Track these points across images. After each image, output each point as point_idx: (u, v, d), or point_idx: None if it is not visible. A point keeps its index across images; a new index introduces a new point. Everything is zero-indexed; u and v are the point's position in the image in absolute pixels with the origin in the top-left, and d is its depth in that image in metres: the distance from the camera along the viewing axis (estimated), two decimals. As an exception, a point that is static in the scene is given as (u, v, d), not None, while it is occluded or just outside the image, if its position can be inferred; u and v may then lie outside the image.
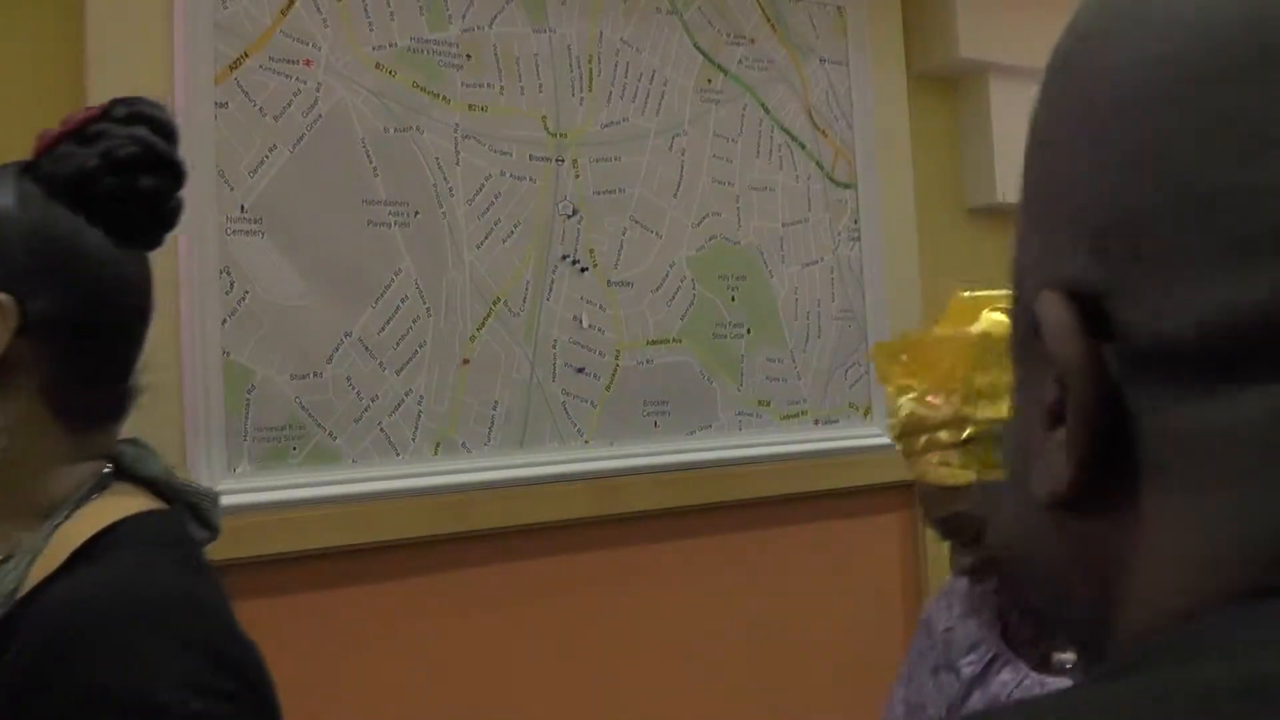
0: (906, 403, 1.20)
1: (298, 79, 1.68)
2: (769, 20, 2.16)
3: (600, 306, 1.93)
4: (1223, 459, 0.32)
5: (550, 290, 1.88)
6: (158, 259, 1.58)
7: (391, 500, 1.70)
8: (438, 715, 1.73)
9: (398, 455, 1.73)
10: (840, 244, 2.23)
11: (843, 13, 2.25)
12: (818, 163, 2.21)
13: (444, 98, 1.80)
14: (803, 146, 2.20)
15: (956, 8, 2.33)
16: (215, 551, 1.58)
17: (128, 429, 1.58)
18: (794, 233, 2.17)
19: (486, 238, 1.83)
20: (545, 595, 1.84)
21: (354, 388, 1.70)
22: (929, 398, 1.17)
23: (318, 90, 1.69)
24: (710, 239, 2.07)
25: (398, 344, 1.74)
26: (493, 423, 1.82)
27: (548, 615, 1.84)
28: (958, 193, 2.49)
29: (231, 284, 1.61)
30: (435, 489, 1.73)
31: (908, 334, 1.22)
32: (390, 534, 1.69)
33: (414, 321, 1.75)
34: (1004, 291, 1.07)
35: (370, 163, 1.73)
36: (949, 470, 1.17)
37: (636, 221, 1.98)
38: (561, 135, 1.91)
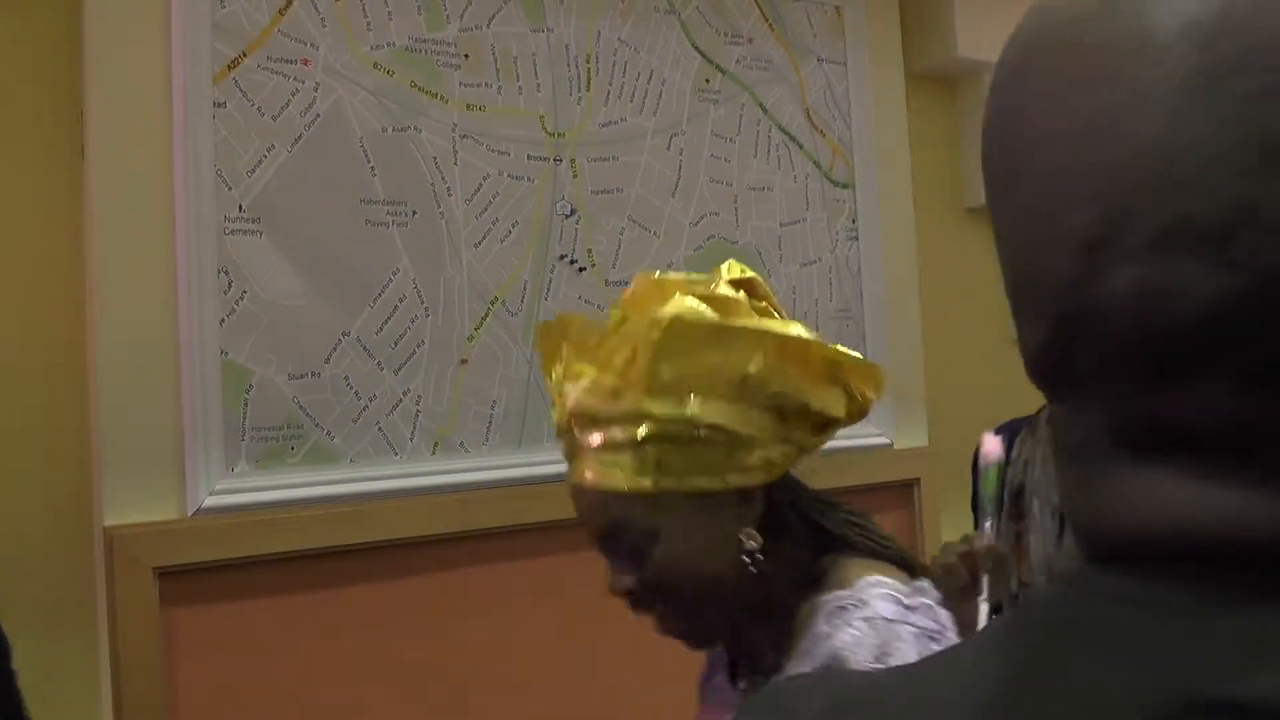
0: (575, 391, 0.99)
1: (296, 79, 1.68)
2: (767, 20, 2.16)
3: (598, 306, 1.93)
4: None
5: (548, 290, 1.88)
6: (155, 257, 1.58)
7: (389, 499, 1.70)
8: (436, 713, 1.73)
9: (396, 455, 1.73)
10: (838, 243, 2.23)
11: (840, 12, 2.25)
12: (816, 162, 2.21)
13: (442, 97, 1.80)
14: (801, 146, 2.20)
15: (954, 7, 2.34)
16: (212, 551, 1.59)
17: (121, 426, 1.58)
18: (792, 232, 2.17)
19: (484, 237, 1.83)
20: (543, 594, 1.84)
21: (352, 387, 1.70)
22: (603, 387, 0.97)
23: (316, 90, 1.69)
24: (708, 239, 2.07)
25: (396, 343, 1.74)
26: (491, 422, 1.82)
27: (545, 614, 1.84)
28: (956, 192, 2.49)
29: (230, 284, 1.61)
30: (433, 488, 1.73)
31: (576, 316, 1.04)
32: (388, 533, 1.69)
33: (412, 321, 1.75)
34: (699, 275, 1.00)
35: (368, 162, 1.73)
36: (621, 474, 0.96)
37: (634, 221, 1.98)
38: (559, 135, 1.91)
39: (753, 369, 0.95)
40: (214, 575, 1.57)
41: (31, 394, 1.56)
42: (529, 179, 1.87)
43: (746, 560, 0.98)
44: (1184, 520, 0.35)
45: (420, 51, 1.78)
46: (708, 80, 2.08)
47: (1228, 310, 0.33)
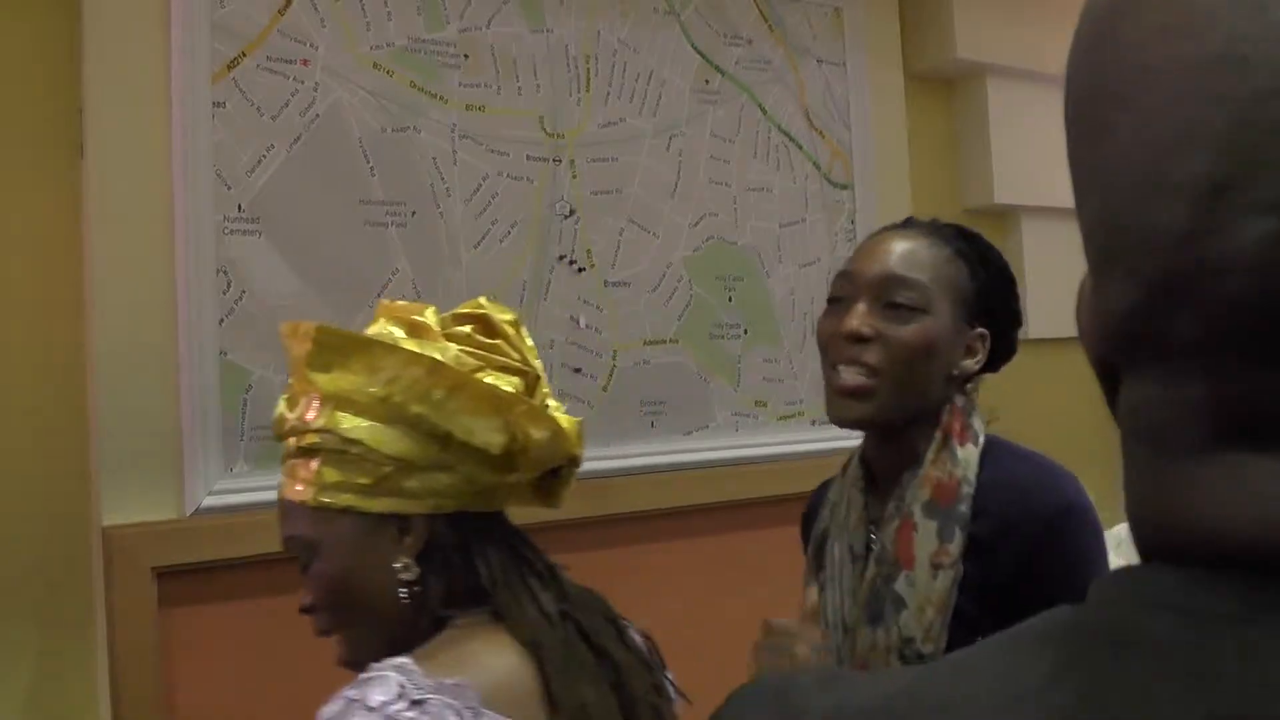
0: (281, 401, 1.05)
1: (295, 79, 1.68)
2: (766, 21, 2.16)
3: (597, 307, 1.93)
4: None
5: (547, 290, 1.88)
6: (154, 257, 1.58)
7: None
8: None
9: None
10: (837, 244, 2.23)
11: (840, 14, 2.25)
12: (815, 163, 2.22)
13: (441, 98, 1.80)
14: (800, 147, 2.20)
15: (954, 9, 2.34)
16: (210, 551, 1.58)
17: (120, 426, 1.58)
18: (791, 233, 2.18)
19: (483, 238, 1.83)
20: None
21: (351, 387, 1.70)
22: (302, 399, 1.02)
23: (315, 90, 1.69)
24: (707, 239, 2.07)
25: (395, 344, 1.74)
26: (489, 423, 1.81)
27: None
28: (954, 194, 2.49)
29: (228, 283, 1.61)
30: (432, 489, 1.73)
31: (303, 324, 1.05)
32: (387, 534, 1.68)
33: (411, 321, 1.75)
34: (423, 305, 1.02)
35: (367, 162, 1.73)
36: (290, 485, 1.02)
37: (633, 222, 1.98)
38: (559, 135, 1.91)
39: (392, 388, 0.96)
40: (212, 575, 1.57)
41: (30, 393, 1.55)
42: (528, 179, 1.87)
43: (402, 591, 0.97)
44: (1258, 523, 0.32)
45: (419, 52, 1.78)
46: (707, 81, 2.08)
47: None
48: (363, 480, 0.97)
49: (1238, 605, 0.31)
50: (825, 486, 1.39)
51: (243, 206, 1.63)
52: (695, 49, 2.07)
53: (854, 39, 2.27)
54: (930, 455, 1.17)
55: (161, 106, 1.57)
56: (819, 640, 1.11)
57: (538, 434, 1.00)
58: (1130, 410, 0.37)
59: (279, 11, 1.67)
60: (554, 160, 1.90)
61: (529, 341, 1.09)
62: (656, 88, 2.02)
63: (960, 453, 1.16)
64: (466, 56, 1.83)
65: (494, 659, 0.94)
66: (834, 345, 1.17)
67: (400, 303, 1.07)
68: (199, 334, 1.58)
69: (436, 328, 1.02)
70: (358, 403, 0.97)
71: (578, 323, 1.91)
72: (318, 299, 1.68)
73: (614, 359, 1.94)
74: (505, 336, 1.05)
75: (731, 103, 2.11)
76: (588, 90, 1.95)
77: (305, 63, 1.69)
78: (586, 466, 1.88)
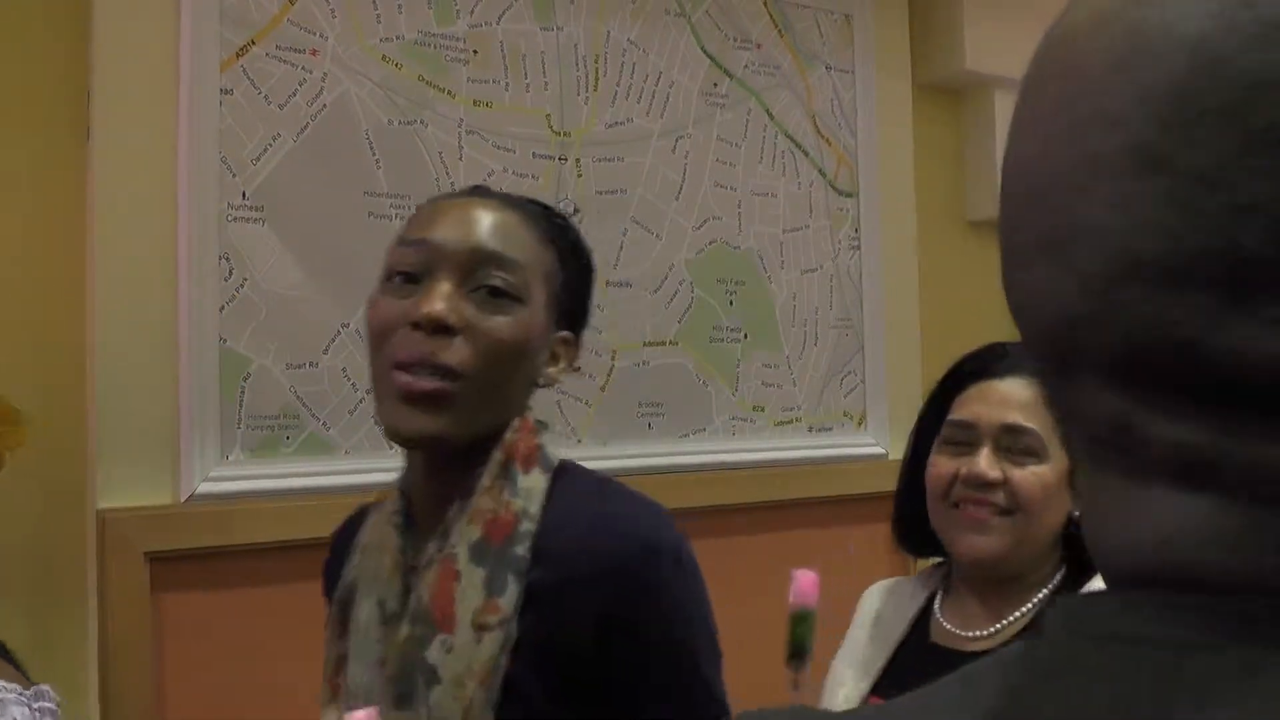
0: None
1: (303, 68, 1.68)
2: (776, 26, 2.16)
3: (598, 306, 1.93)
4: None
5: (549, 288, 1.88)
6: (156, 242, 1.58)
7: (384, 493, 1.69)
8: (422, 709, 1.73)
9: (391, 448, 1.72)
10: (840, 252, 2.23)
11: (850, 21, 2.26)
12: (820, 170, 2.22)
13: (449, 92, 1.80)
14: (806, 153, 2.20)
15: (964, 20, 2.34)
16: (204, 538, 1.58)
17: (118, 409, 1.58)
18: (794, 239, 2.18)
19: (487, 233, 1.82)
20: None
21: (349, 379, 1.70)
22: None
23: (323, 80, 1.69)
24: (710, 242, 2.07)
25: (394, 337, 1.74)
26: (487, 419, 1.81)
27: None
28: (959, 205, 2.50)
29: (230, 270, 1.61)
30: (427, 483, 1.73)
31: None
32: (380, 526, 1.68)
33: (411, 315, 1.75)
34: None
35: (373, 154, 1.73)
36: None
37: (637, 222, 1.98)
38: (565, 134, 1.91)
39: None
40: (205, 562, 1.57)
41: (29, 375, 1.55)
42: (533, 177, 1.87)
43: None
44: (1166, 545, 0.33)
45: (429, 46, 1.78)
46: (715, 84, 2.08)
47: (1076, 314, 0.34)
48: None
49: (1164, 631, 0.32)
50: (356, 520, 1.13)
51: (247, 194, 1.63)
52: (704, 52, 2.07)
53: (863, 47, 2.27)
54: (485, 482, 0.94)
55: (169, 92, 1.57)
56: None
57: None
58: (1072, 414, 0.37)
59: (289, 1, 1.67)
60: (559, 158, 1.90)
61: None
62: (664, 89, 2.02)
63: (523, 480, 0.95)
64: (476, 52, 1.83)
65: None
66: (401, 337, 0.92)
67: None
68: (199, 320, 1.58)
69: None
70: None
71: (578, 321, 1.91)
72: (319, 289, 1.68)
73: (613, 359, 1.94)
74: None
75: (739, 107, 2.11)
76: (595, 90, 1.95)
77: (314, 53, 1.69)
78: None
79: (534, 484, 0.95)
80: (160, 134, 1.57)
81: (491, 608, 0.90)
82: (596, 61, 1.95)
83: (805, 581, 1.25)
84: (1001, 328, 0.41)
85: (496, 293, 0.93)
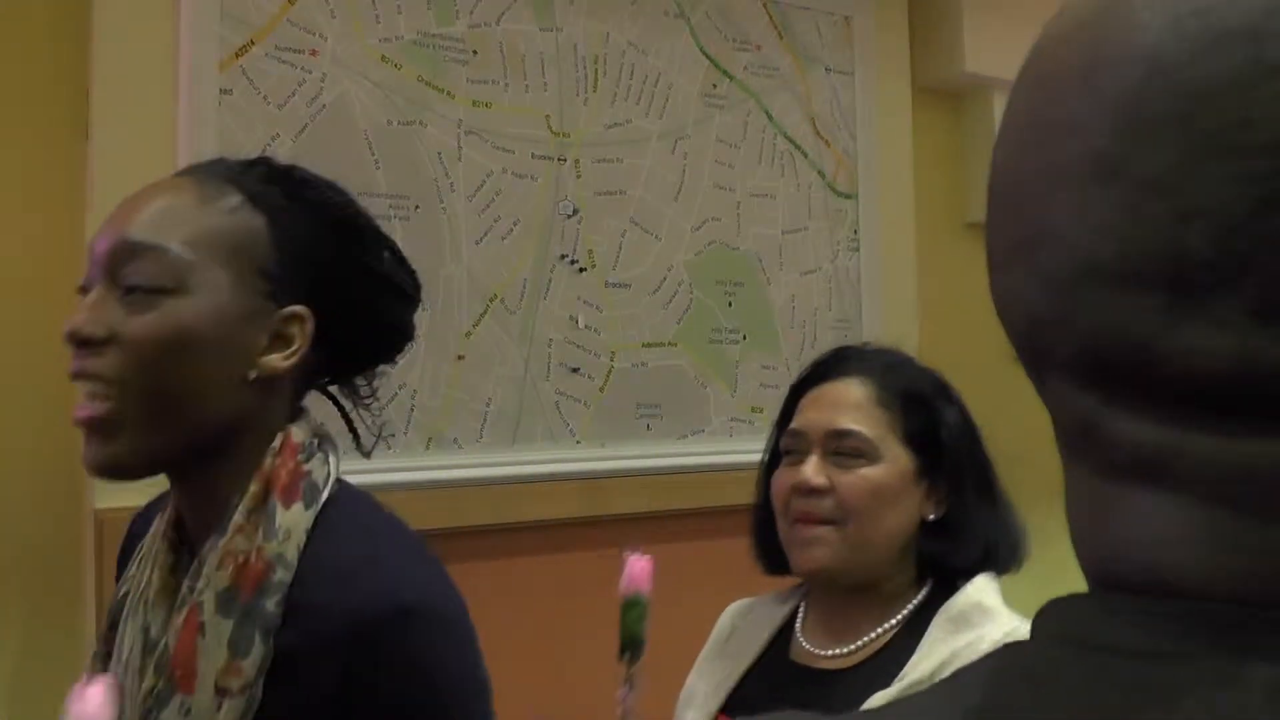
0: None
1: (303, 68, 1.68)
2: (776, 27, 2.16)
3: (597, 307, 1.93)
4: None
5: (547, 289, 1.88)
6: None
7: (382, 493, 1.67)
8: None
9: (389, 448, 1.73)
10: (839, 254, 2.23)
11: (849, 23, 2.26)
12: (819, 172, 2.22)
13: (448, 93, 1.80)
14: (805, 155, 2.20)
15: (963, 22, 2.34)
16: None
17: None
18: (793, 240, 2.18)
19: (485, 234, 1.83)
20: (533, 593, 1.84)
21: (348, 379, 1.70)
22: None
23: (322, 80, 1.69)
24: (709, 244, 2.07)
25: (393, 337, 1.74)
26: (485, 419, 1.82)
27: (535, 613, 1.84)
28: (958, 207, 2.50)
29: (229, 271, 1.61)
30: (426, 483, 1.73)
31: None
32: (378, 527, 1.68)
33: (410, 315, 1.75)
34: None
35: (372, 155, 1.73)
36: None
37: (636, 223, 1.98)
38: (564, 135, 1.91)
39: None
40: (202, 562, 1.57)
41: (26, 373, 1.55)
42: (532, 177, 1.87)
43: None
44: (1134, 545, 0.34)
45: (428, 46, 1.78)
46: (714, 85, 2.08)
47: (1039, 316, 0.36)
48: None
49: (1138, 640, 0.33)
50: (157, 505, 1.00)
51: (246, 194, 1.63)
52: (704, 53, 2.07)
53: (863, 49, 2.27)
54: (238, 519, 0.81)
55: (168, 92, 1.57)
56: None
57: None
58: (1050, 413, 0.38)
59: (288, 1, 1.67)
60: (559, 159, 1.90)
61: None
62: (664, 90, 2.02)
63: (281, 517, 0.82)
64: (475, 53, 1.83)
65: None
66: (76, 358, 0.81)
67: None
68: (198, 320, 1.58)
69: None
70: None
71: (577, 322, 1.91)
72: (318, 290, 1.67)
73: (612, 360, 1.94)
74: None
75: (738, 108, 2.11)
76: (595, 90, 1.95)
77: (314, 53, 1.69)
78: (580, 467, 1.89)
79: (294, 522, 0.82)
80: (159, 134, 1.57)
81: (234, 670, 0.78)
82: (596, 62, 1.95)
83: (638, 567, 1.19)
84: (999, 330, 0.41)
85: (137, 289, 0.80)
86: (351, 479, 1.77)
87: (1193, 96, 0.31)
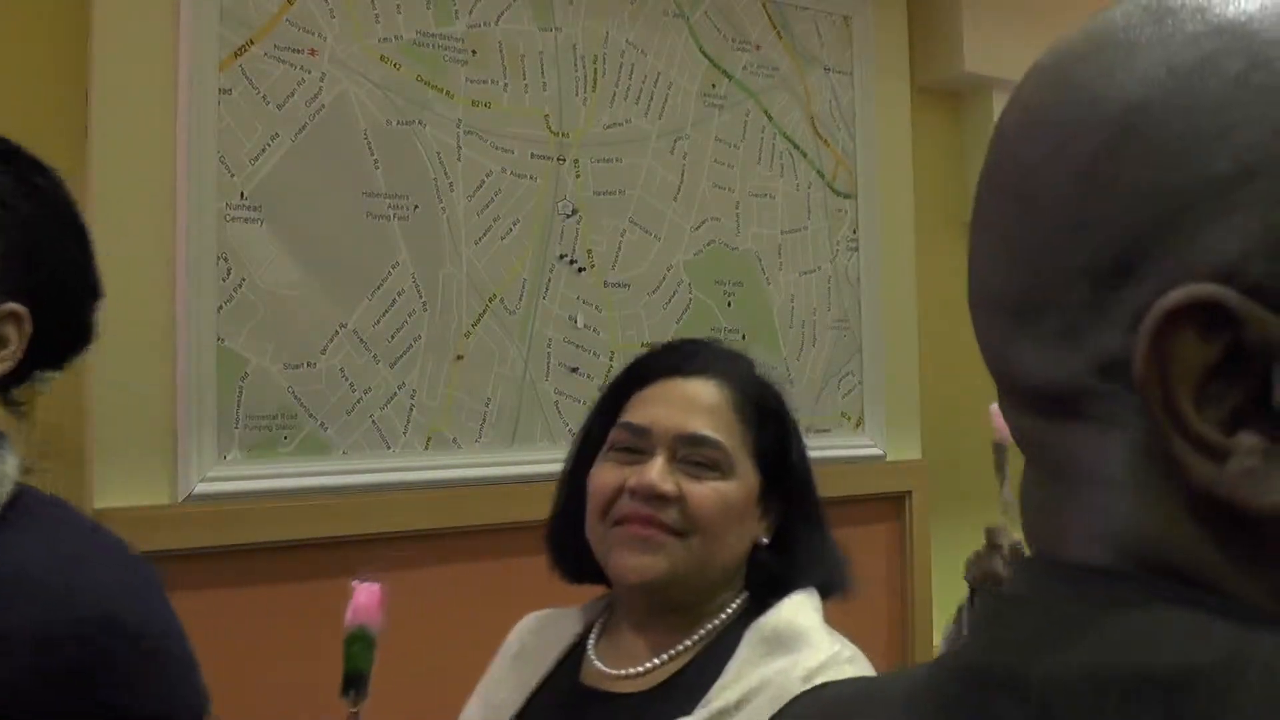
0: None
1: (302, 68, 1.68)
2: (775, 27, 2.16)
3: (596, 307, 1.93)
4: None
5: (547, 289, 1.88)
6: (154, 241, 1.58)
7: (381, 493, 1.70)
8: (422, 710, 1.73)
9: (388, 448, 1.73)
10: (838, 253, 2.23)
11: (849, 22, 2.26)
12: (819, 171, 2.22)
13: (448, 92, 1.80)
14: (804, 154, 2.20)
15: (963, 22, 2.34)
16: (201, 538, 1.58)
17: (115, 408, 1.58)
18: (792, 240, 2.18)
19: (485, 234, 1.83)
20: (533, 593, 1.84)
21: (347, 379, 1.70)
22: None
23: (321, 80, 1.69)
24: (708, 243, 2.07)
25: (392, 337, 1.74)
26: (484, 419, 1.82)
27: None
28: (958, 207, 2.50)
29: (228, 270, 1.61)
30: (425, 483, 1.73)
31: None
32: (378, 526, 1.68)
33: (409, 315, 1.75)
34: None
35: (371, 154, 1.73)
36: None
37: (635, 223, 1.98)
38: (563, 134, 1.91)
39: None
40: (203, 562, 1.57)
41: (26, 374, 1.55)
42: (531, 177, 1.87)
43: None
44: (1029, 517, 0.43)
45: (427, 46, 1.78)
46: (714, 85, 2.08)
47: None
48: None
49: (1032, 592, 0.40)
50: None
51: (245, 194, 1.63)
52: (703, 53, 2.07)
53: (862, 49, 2.27)
54: None
55: (168, 91, 1.57)
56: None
57: None
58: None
59: (288, 1, 1.67)
60: (558, 159, 1.90)
61: None
62: (663, 90, 2.02)
63: None
64: (474, 52, 1.83)
65: None
66: None
67: None
68: (197, 320, 1.58)
69: None
70: None
71: (576, 322, 1.91)
72: (317, 289, 1.68)
73: (611, 360, 1.94)
74: None
75: (737, 108, 2.11)
76: (594, 90, 1.95)
77: (313, 53, 1.69)
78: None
79: None
80: (158, 133, 1.57)
81: None
82: (595, 62, 1.95)
83: (364, 596, 1.07)
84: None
85: None
86: (352, 479, 1.77)
87: (1025, 157, 0.40)
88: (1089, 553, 0.38)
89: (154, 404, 1.55)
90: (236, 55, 1.63)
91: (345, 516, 1.67)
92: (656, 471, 1.00)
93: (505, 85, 1.85)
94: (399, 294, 1.74)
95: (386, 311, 1.73)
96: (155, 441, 1.56)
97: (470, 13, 1.82)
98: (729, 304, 2.09)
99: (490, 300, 1.82)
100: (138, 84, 1.56)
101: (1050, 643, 0.36)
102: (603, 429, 1.09)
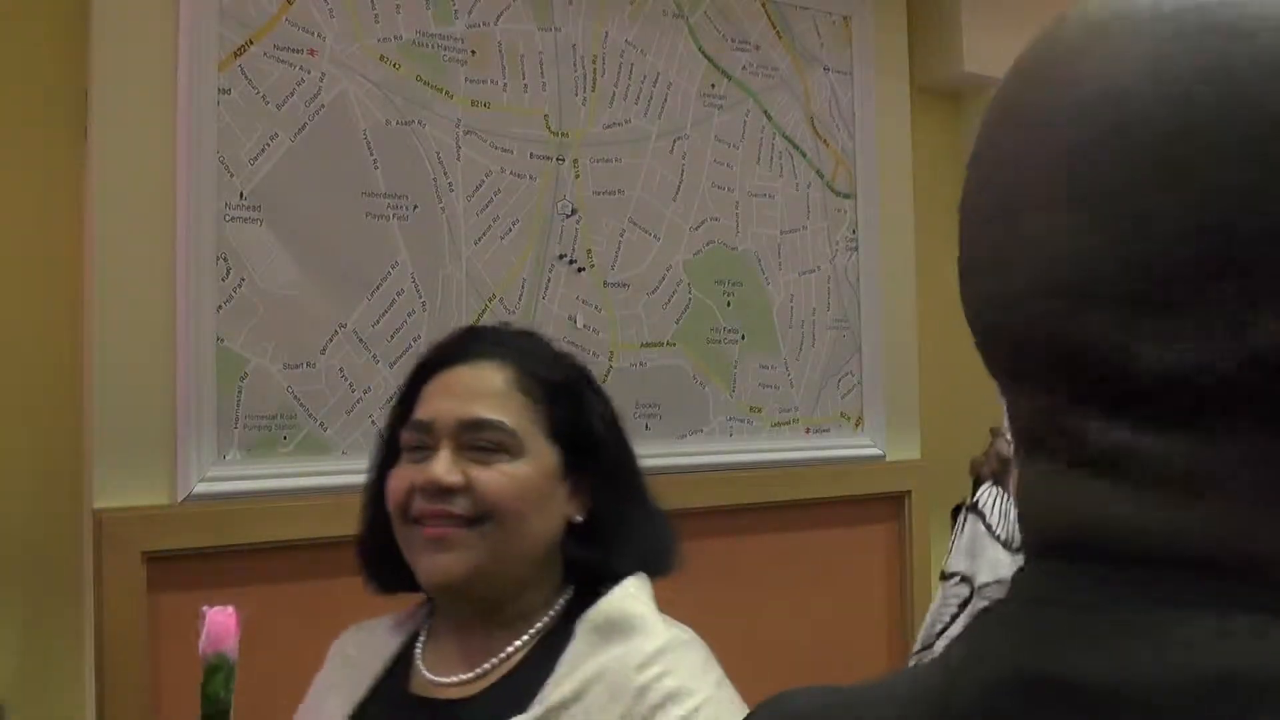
0: None
1: (301, 68, 1.68)
2: (775, 27, 2.16)
3: (595, 307, 1.93)
4: None
5: (546, 289, 1.88)
6: (154, 241, 1.58)
7: (380, 493, 1.69)
8: None
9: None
10: (838, 253, 2.23)
11: (848, 23, 2.26)
12: (818, 171, 2.22)
13: (447, 92, 1.80)
14: (804, 155, 2.20)
15: (962, 22, 2.34)
16: (201, 537, 1.58)
17: (115, 409, 1.58)
18: (792, 240, 2.18)
19: (484, 234, 1.83)
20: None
21: (347, 379, 1.70)
22: None
23: (321, 80, 1.69)
24: (708, 243, 2.07)
25: (392, 337, 1.74)
26: (484, 419, 1.81)
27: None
28: (957, 207, 2.50)
29: (228, 270, 1.61)
30: (424, 483, 1.73)
31: None
32: (378, 526, 1.68)
33: (409, 315, 1.75)
34: None
35: (371, 154, 1.73)
36: None
37: (635, 223, 1.98)
38: (563, 134, 1.91)
39: None
40: (202, 561, 1.57)
41: (27, 373, 1.55)
42: (531, 177, 1.87)
43: None
44: (1078, 521, 0.38)
45: (427, 46, 1.78)
46: (713, 85, 2.08)
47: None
48: None
49: (1054, 590, 0.38)
50: None
51: (245, 194, 1.63)
52: (703, 53, 2.07)
53: (861, 49, 2.27)
54: None
55: (167, 91, 1.57)
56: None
57: None
58: (1012, 407, 0.43)
59: (287, 1, 1.67)
60: (557, 159, 1.90)
61: None
62: (662, 90, 2.02)
63: None
64: (474, 52, 1.83)
65: None
66: None
67: None
68: (197, 320, 1.58)
69: None
70: None
71: (575, 322, 1.91)
72: (316, 289, 1.68)
73: (611, 360, 1.94)
74: None
75: (737, 108, 2.11)
76: (594, 90, 1.95)
77: (312, 53, 1.69)
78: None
79: None
80: (158, 133, 1.57)
81: None
82: (595, 62, 1.95)
83: (218, 623, 1.01)
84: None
85: None
86: (352, 479, 1.77)
87: (1158, 135, 0.35)
88: (1182, 556, 0.36)
89: (154, 404, 1.55)
90: (236, 55, 1.63)
91: (344, 516, 1.66)
92: (441, 464, 0.98)
93: (505, 85, 1.86)
94: (398, 294, 1.74)
95: (386, 311, 1.73)
96: (155, 441, 1.56)
97: (470, 13, 1.82)
98: (728, 304, 2.09)
99: (490, 300, 1.83)
100: (137, 84, 1.56)
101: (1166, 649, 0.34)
102: (397, 434, 1.06)
